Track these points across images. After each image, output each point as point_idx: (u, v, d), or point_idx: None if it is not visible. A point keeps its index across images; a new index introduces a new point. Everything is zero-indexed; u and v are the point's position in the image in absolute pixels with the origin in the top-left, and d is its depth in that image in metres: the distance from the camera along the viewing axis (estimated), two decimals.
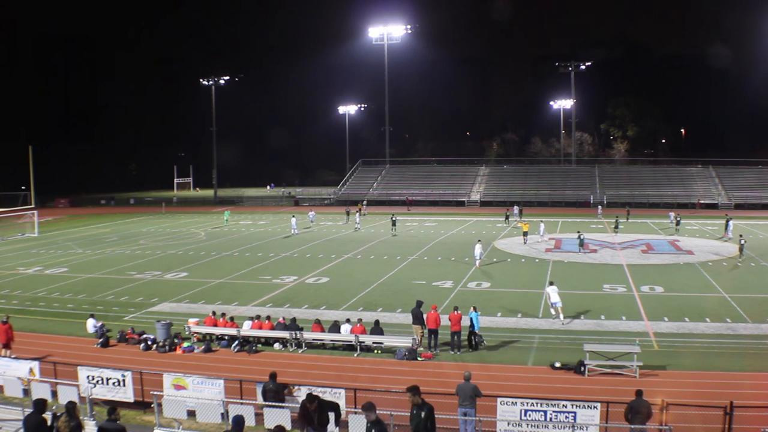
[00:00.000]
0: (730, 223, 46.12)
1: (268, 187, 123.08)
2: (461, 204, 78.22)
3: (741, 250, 36.89)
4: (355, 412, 13.78)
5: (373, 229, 53.05)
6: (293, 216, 52.19)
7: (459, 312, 20.54)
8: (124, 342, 21.54)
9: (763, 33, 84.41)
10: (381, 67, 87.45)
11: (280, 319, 21.91)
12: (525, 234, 43.67)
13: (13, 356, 19.38)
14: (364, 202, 71.05)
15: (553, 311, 24.34)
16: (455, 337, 20.35)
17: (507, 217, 56.71)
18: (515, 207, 62.18)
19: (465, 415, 13.81)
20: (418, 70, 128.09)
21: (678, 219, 51.03)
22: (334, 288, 29.88)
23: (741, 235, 39.58)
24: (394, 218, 51.05)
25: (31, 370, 16.86)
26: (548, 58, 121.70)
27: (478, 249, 34.79)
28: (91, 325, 22.64)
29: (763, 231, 49.39)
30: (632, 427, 13.03)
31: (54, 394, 15.51)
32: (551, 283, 24.97)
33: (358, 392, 14.97)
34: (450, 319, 20.38)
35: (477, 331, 20.63)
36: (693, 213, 55.61)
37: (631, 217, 57.94)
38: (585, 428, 13.38)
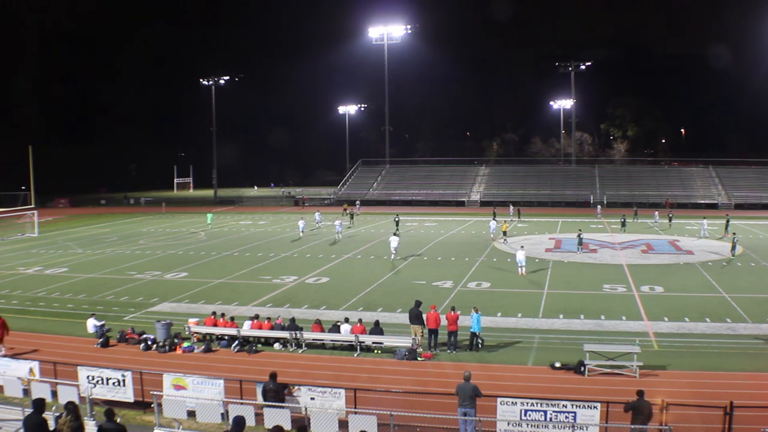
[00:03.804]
0: (704, 222, 47.34)
1: (271, 184, 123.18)
2: (461, 204, 78.25)
3: (733, 248, 37.12)
4: (355, 412, 13.79)
5: (373, 229, 53.06)
6: (301, 218, 51.29)
7: (456, 312, 20.55)
8: (124, 342, 21.52)
9: (763, 33, 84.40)
10: (381, 67, 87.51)
11: (278, 320, 21.91)
12: (504, 234, 44.33)
13: (3, 353, 19.64)
14: (357, 203, 70.66)
15: (393, 254, 37.09)
16: (452, 337, 20.36)
17: (494, 216, 56.49)
18: (510, 207, 62.29)
19: (465, 415, 13.80)
20: (418, 70, 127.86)
21: (671, 216, 52.76)
22: (334, 288, 29.88)
23: (734, 233, 39.88)
24: (397, 218, 51.36)
25: (31, 370, 16.84)
26: (548, 58, 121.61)
27: (520, 255, 32.63)
28: (91, 324, 22.62)
29: (763, 231, 49.41)
30: (632, 427, 13.04)
31: (54, 394, 15.49)
32: (395, 234, 39.49)
33: (358, 392, 14.98)
34: (447, 319, 20.38)
35: (478, 333, 20.54)
36: (667, 212, 56.29)
37: (631, 217, 57.94)
38: (585, 428, 13.38)
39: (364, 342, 20.50)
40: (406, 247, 42.33)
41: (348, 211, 63.43)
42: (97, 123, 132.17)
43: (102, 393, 16.01)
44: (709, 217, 53.39)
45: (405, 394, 15.93)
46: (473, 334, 20.41)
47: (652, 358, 18.93)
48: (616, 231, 49.31)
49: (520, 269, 32.29)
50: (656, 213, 55.23)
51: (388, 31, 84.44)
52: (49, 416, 12.17)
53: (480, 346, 20.35)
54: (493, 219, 55.65)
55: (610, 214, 62.83)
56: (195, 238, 49.18)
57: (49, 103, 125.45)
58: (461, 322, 20.66)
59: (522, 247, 34.06)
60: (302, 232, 48.42)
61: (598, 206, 64.55)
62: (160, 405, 14.40)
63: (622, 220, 50.23)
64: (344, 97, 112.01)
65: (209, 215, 58.11)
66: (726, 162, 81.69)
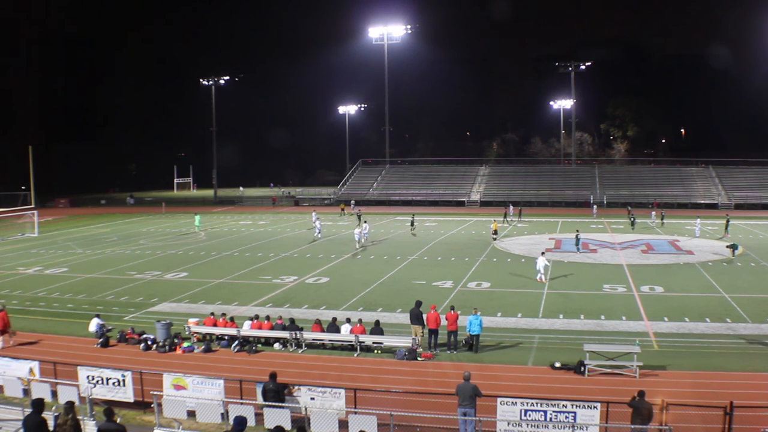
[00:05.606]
0: (698, 221, 47.73)
1: (270, 184, 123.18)
2: (461, 204, 78.25)
3: (733, 252, 37.11)
4: (355, 412, 13.79)
5: (373, 230, 52.97)
6: (318, 219, 49.95)
7: (456, 312, 20.52)
8: (124, 342, 21.51)
9: (763, 33, 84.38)
10: (381, 67, 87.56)
11: (278, 320, 21.90)
12: (495, 233, 44.95)
13: (11, 340, 20.33)
14: (352, 202, 70.41)
15: (363, 240, 42.11)
16: (452, 336, 20.34)
17: (506, 216, 57.39)
18: (510, 207, 62.65)
19: (465, 415, 13.80)
20: (418, 70, 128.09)
21: (662, 215, 54.40)
22: (334, 288, 29.87)
23: (727, 238, 39.97)
24: (413, 218, 51.78)
25: (31, 370, 16.84)
26: (548, 58, 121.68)
27: (540, 262, 30.63)
28: (94, 324, 22.60)
29: (763, 231, 49.40)
30: (632, 427, 13.05)
31: (54, 394, 15.48)
32: (365, 222, 45.24)
33: (358, 392, 14.97)
34: (447, 319, 20.37)
35: (477, 334, 20.43)
36: (660, 212, 56.48)
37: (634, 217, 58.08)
38: (585, 428, 13.38)
39: (364, 342, 20.50)
40: (406, 247, 42.36)
41: (346, 211, 63.34)
42: (97, 123, 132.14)
43: (102, 393, 16.01)
44: (709, 217, 53.49)
45: (405, 394, 15.92)
46: (473, 336, 20.31)
47: (652, 358, 18.92)
48: (617, 231, 49.31)
49: (539, 276, 30.49)
50: (653, 213, 55.75)
51: (388, 31, 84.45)
52: (49, 416, 12.17)
53: (476, 350, 20.28)
54: (504, 219, 56.19)
55: (610, 214, 62.90)
56: (194, 238, 49.17)
57: (49, 103, 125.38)
58: (461, 322, 20.64)
59: (543, 253, 31.78)
60: (319, 233, 47.45)
61: (594, 206, 65.19)
62: (160, 405, 14.40)
63: (632, 219, 51.74)
64: (344, 97, 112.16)
65: (197, 217, 55.50)
66: (726, 162, 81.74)
